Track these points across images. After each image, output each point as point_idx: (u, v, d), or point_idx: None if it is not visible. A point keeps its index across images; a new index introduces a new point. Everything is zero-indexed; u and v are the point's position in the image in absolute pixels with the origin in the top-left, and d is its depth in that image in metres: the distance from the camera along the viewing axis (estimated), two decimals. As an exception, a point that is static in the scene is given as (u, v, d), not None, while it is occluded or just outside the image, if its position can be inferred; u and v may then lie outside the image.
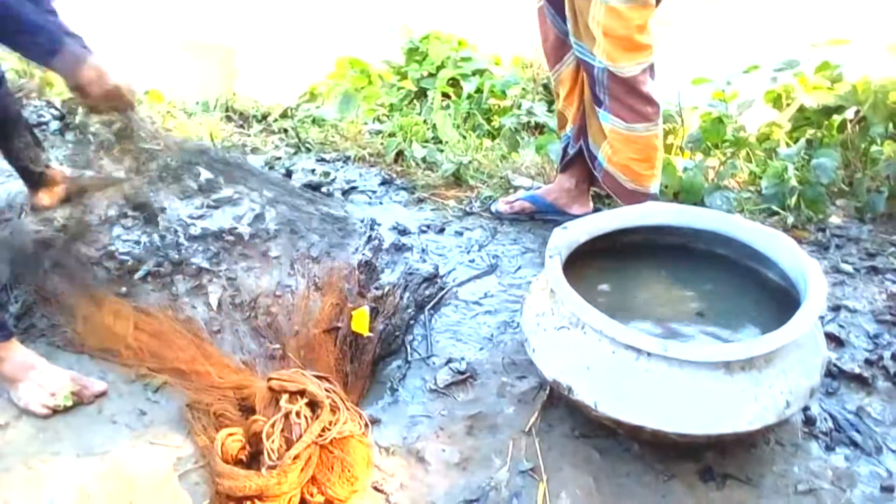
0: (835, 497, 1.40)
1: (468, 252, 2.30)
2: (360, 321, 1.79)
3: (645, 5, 1.94)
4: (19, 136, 2.16)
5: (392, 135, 3.25)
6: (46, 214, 2.20)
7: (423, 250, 2.29)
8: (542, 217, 2.46)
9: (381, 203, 2.66)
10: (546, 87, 3.64)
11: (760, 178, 2.62)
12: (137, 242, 2.13)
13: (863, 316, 1.94)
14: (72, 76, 1.76)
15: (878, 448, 1.52)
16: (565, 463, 1.49)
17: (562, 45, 2.19)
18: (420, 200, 2.67)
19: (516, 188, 2.67)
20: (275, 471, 1.34)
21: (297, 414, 1.43)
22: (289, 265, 2.10)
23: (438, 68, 4.11)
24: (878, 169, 2.57)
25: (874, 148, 2.67)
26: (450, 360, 1.79)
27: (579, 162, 2.34)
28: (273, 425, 1.41)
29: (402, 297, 1.98)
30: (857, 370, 1.72)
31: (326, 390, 1.49)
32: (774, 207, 2.46)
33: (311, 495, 1.39)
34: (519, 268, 2.21)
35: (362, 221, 2.39)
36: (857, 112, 2.76)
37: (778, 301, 1.59)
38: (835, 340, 1.83)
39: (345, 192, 2.70)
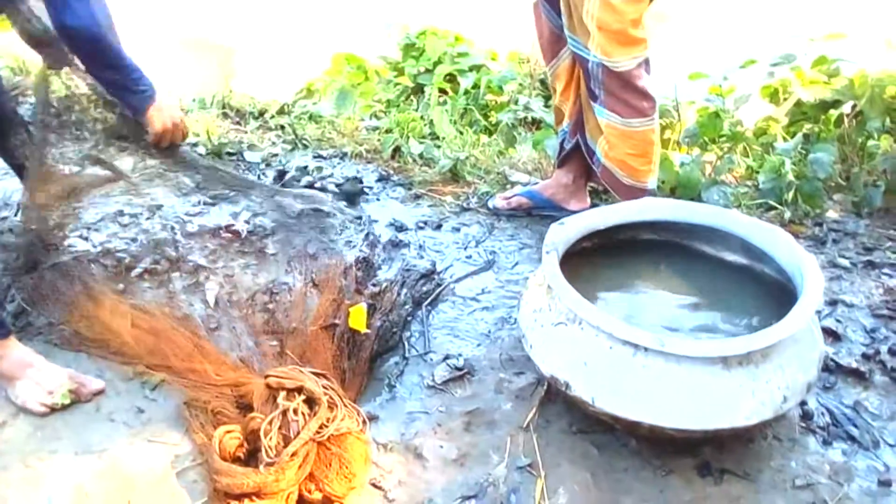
0: (832, 492, 1.40)
1: (465, 248, 2.30)
2: (358, 318, 1.79)
3: (639, -1, 1.94)
4: (15, 134, 2.15)
5: (389, 131, 3.25)
6: (43, 212, 2.19)
7: (420, 247, 2.29)
8: (540, 213, 2.46)
9: (378, 199, 2.66)
10: (543, 82, 3.64)
11: (757, 172, 2.62)
12: (134, 240, 2.13)
13: (860, 310, 1.95)
14: (159, 120, 1.98)
15: (876, 442, 1.52)
16: (563, 459, 1.49)
17: (557, 40, 2.18)
18: (417, 197, 2.67)
19: (513, 184, 2.67)
20: (273, 468, 1.34)
21: (295, 411, 1.43)
22: (286, 262, 2.09)
23: (435, 64, 4.11)
24: (875, 163, 2.57)
25: (871, 142, 2.67)
26: (447, 357, 1.79)
27: (576, 157, 2.34)
28: (271, 422, 1.41)
29: (399, 294, 1.98)
30: (855, 365, 1.72)
31: (324, 387, 1.49)
32: (771, 202, 2.46)
33: (309, 492, 1.39)
34: (516, 264, 2.21)
35: (359, 218, 2.39)
36: (854, 106, 2.76)
37: (775, 296, 1.59)
38: (832, 335, 1.83)
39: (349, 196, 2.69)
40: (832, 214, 2.46)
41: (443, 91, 3.91)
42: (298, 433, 1.39)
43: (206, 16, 5.80)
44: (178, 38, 5.28)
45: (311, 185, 2.65)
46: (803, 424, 1.56)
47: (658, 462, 1.47)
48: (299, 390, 1.47)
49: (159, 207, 2.25)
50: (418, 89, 4.07)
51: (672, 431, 1.36)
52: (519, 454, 1.50)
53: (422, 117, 3.42)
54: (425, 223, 2.46)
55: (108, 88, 1.97)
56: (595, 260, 1.77)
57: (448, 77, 4.01)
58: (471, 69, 4.03)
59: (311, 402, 1.46)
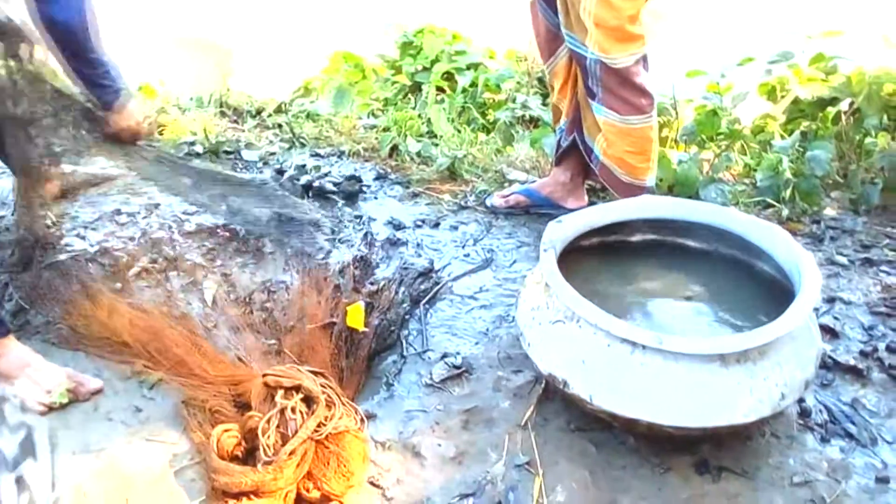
0: (830, 489, 1.40)
1: (463, 246, 2.29)
2: (356, 316, 1.79)
3: (637, -5, 1.94)
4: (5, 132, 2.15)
5: (386, 129, 3.24)
6: (40, 211, 2.19)
7: (418, 245, 2.29)
8: (538, 211, 2.46)
9: (375, 198, 2.66)
10: (541, 80, 3.64)
11: (755, 170, 2.62)
12: (132, 238, 2.12)
13: (857, 308, 1.95)
14: (125, 118, 2.01)
15: (873, 439, 1.52)
16: (561, 457, 1.49)
17: (554, 38, 2.18)
18: (415, 195, 2.67)
19: (511, 182, 2.67)
20: (271, 467, 1.34)
21: (293, 409, 1.42)
22: (283, 261, 2.09)
23: (433, 62, 4.11)
24: (873, 160, 2.57)
25: (868, 140, 2.67)
26: (445, 355, 1.79)
27: (574, 155, 2.34)
28: (269, 421, 1.41)
29: (397, 292, 1.98)
30: (852, 362, 1.72)
31: (322, 386, 1.48)
32: (769, 200, 2.46)
33: (307, 491, 1.39)
34: (514, 262, 2.21)
35: (358, 217, 2.38)
36: (852, 104, 2.76)
37: (773, 293, 1.59)
38: (829, 332, 1.83)
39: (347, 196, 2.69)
40: (830, 212, 2.46)
41: (440, 89, 3.91)
42: (296, 432, 1.39)
43: (204, 14, 5.79)
44: (175, 37, 5.28)
45: (309, 184, 2.65)
46: (801, 422, 1.56)
47: (656, 460, 1.47)
48: (297, 389, 1.47)
49: (157, 206, 2.24)
50: (416, 87, 4.07)
51: (670, 429, 1.37)
52: (517, 452, 1.50)
53: (419, 115, 3.42)
54: (423, 221, 2.46)
55: (83, 81, 2.00)
56: (593, 258, 1.77)
57: (446, 75, 4.01)
58: (468, 67, 4.03)
59: (309, 400, 1.46)
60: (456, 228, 2.42)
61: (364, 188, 2.70)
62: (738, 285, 1.70)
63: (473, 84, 3.84)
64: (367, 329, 1.80)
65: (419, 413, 1.62)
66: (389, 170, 2.90)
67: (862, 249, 2.23)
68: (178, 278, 2.01)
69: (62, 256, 2.02)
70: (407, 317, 1.94)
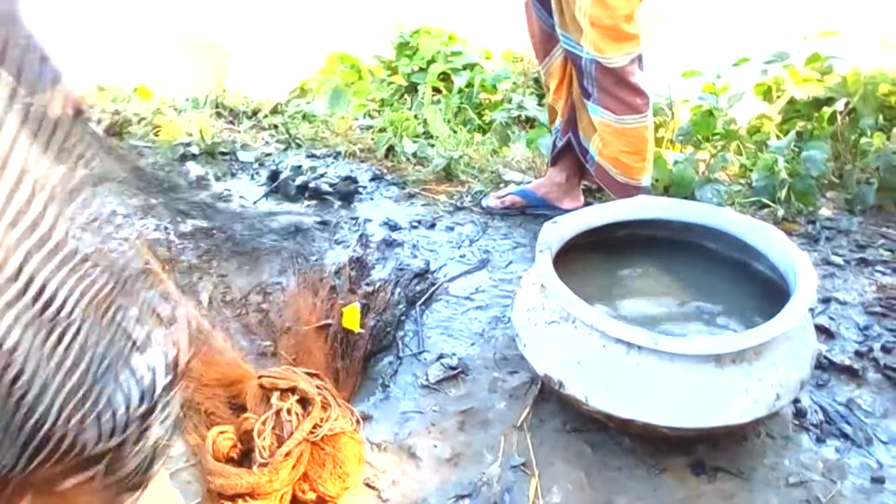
0: (825, 489, 1.40)
1: (459, 247, 2.29)
2: (351, 318, 1.79)
3: (632, -6, 1.95)
4: None
5: (383, 130, 3.24)
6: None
7: (413, 246, 2.29)
8: (533, 212, 2.45)
9: (371, 199, 2.65)
10: (537, 80, 3.64)
11: (751, 170, 2.62)
12: (127, 239, 2.12)
13: (853, 308, 1.95)
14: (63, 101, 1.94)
15: (869, 440, 1.52)
16: (557, 457, 1.49)
17: (549, 38, 2.18)
18: (411, 196, 2.67)
19: (507, 183, 2.67)
20: (266, 468, 1.34)
21: (289, 411, 1.42)
22: (279, 262, 2.09)
23: (429, 63, 4.11)
24: (868, 161, 2.57)
25: (864, 140, 2.67)
26: (441, 356, 1.79)
27: (570, 156, 2.34)
28: (264, 423, 1.41)
29: (393, 293, 1.97)
30: (848, 362, 1.73)
31: (317, 387, 1.48)
32: (765, 200, 2.46)
33: (303, 492, 1.38)
34: (510, 263, 2.20)
35: (354, 218, 2.38)
36: (847, 104, 2.76)
37: (768, 293, 1.59)
38: (825, 332, 1.83)
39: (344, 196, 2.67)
40: (825, 212, 2.46)
41: (436, 90, 3.91)
42: (292, 433, 1.38)
43: (200, 15, 5.78)
44: (171, 38, 5.27)
45: (305, 185, 2.65)
46: (796, 422, 1.56)
47: (652, 460, 1.47)
48: (293, 390, 1.46)
49: (153, 207, 2.24)
50: (412, 88, 4.07)
51: (665, 430, 1.37)
52: (513, 453, 1.50)
53: (415, 116, 3.42)
54: (419, 222, 2.45)
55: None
56: (589, 258, 1.77)
57: (442, 76, 4.01)
58: (464, 68, 4.03)
59: (304, 402, 1.45)
60: (452, 229, 2.42)
61: (360, 189, 2.69)
62: (733, 285, 1.69)
63: (469, 85, 3.84)
64: (362, 330, 1.79)
65: (415, 414, 1.62)
66: (385, 170, 2.90)
67: (857, 249, 2.23)
68: (174, 280, 2.00)
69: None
70: (403, 318, 1.93)
